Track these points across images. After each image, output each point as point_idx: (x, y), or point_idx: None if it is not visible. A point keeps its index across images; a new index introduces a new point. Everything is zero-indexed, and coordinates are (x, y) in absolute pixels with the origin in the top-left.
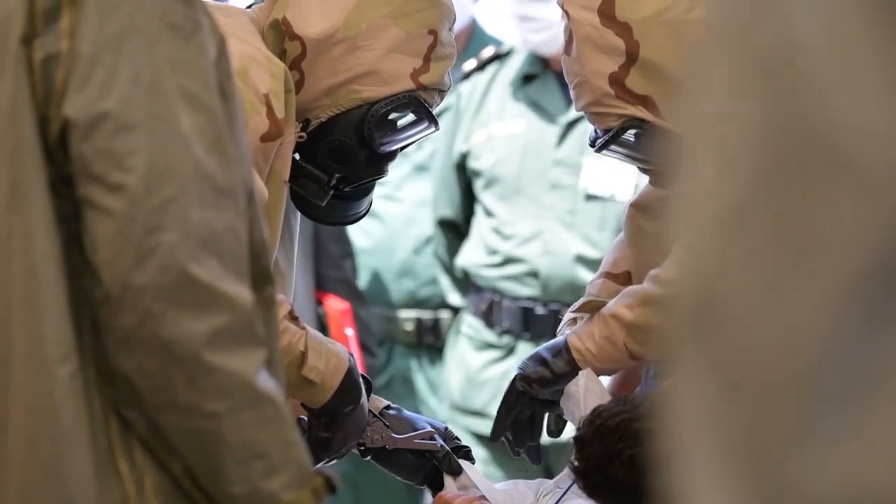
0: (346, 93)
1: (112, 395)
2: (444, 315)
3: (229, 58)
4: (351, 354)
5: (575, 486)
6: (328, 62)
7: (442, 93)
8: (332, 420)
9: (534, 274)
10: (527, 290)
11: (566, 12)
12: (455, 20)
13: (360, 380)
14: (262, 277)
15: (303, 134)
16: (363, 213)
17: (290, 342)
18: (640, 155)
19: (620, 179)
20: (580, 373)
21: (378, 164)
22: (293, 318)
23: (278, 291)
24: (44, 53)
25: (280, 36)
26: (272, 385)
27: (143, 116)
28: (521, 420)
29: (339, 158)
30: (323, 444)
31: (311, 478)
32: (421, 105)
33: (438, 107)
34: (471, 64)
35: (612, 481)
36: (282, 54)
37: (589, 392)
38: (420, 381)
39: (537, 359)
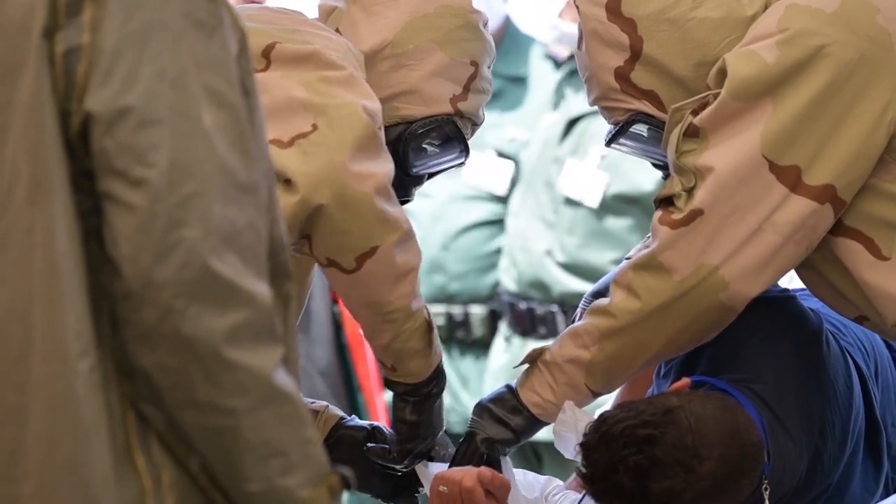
0: (387, 109)
1: (130, 390)
2: (475, 310)
3: (250, 54)
4: None
5: None
6: (374, 76)
7: (475, 126)
8: (422, 401)
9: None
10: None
11: (577, 7)
12: (494, 59)
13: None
14: (280, 274)
15: None
16: None
17: (421, 308)
18: (649, 149)
19: (591, 186)
20: (564, 407)
21: (406, 186)
22: None
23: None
24: (65, 46)
25: None
26: (290, 382)
27: (167, 112)
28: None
29: None
30: (412, 431)
31: (328, 475)
32: (457, 130)
33: None
34: None
35: (617, 488)
36: None
37: (579, 423)
38: (452, 376)
39: (492, 417)
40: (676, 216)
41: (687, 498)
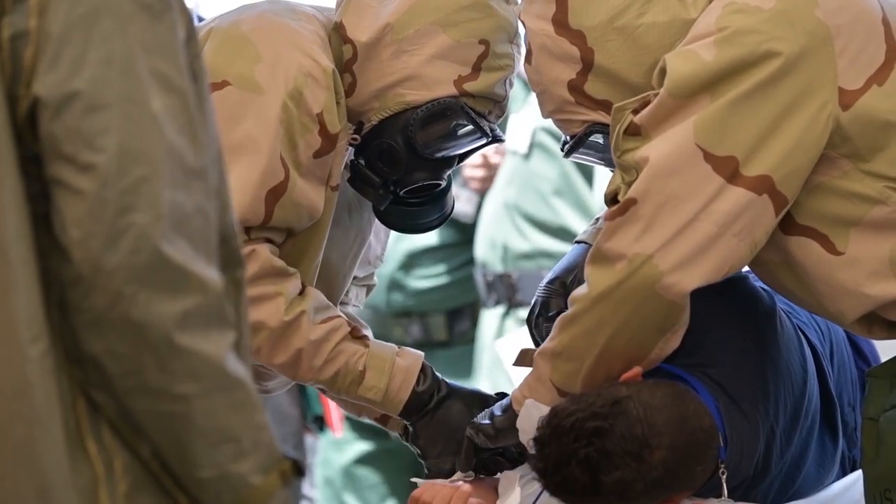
0: (393, 96)
1: (80, 376)
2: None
3: (198, 38)
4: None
5: None
6: (377, 65)
7: (497, 103)
8: (414, 430)
9: None
10: None
11: (523, 22)
12: (517, 32)
13: (440, 383)
14: (231, 260)
15: (356, 136)
16: (434, 222)
17: (348, 362)
18: (608, 157)
19: None
20: (526, 404)
21: (430, 168)
22: (355, 337)
23: (334, 301)
24: (12, 31)
25: (339, 39)
26: (241, 368)
27: (115, 96)
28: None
29: (388, 161)
30: (422, 453)
31: (280, 462)
32: (464, 112)
33: None
34: None
35: (569, 481)
36: (340, 56)
37: (540, 420)
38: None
39: (488, 412)
40: (615, 207)
41: (639, 488)
